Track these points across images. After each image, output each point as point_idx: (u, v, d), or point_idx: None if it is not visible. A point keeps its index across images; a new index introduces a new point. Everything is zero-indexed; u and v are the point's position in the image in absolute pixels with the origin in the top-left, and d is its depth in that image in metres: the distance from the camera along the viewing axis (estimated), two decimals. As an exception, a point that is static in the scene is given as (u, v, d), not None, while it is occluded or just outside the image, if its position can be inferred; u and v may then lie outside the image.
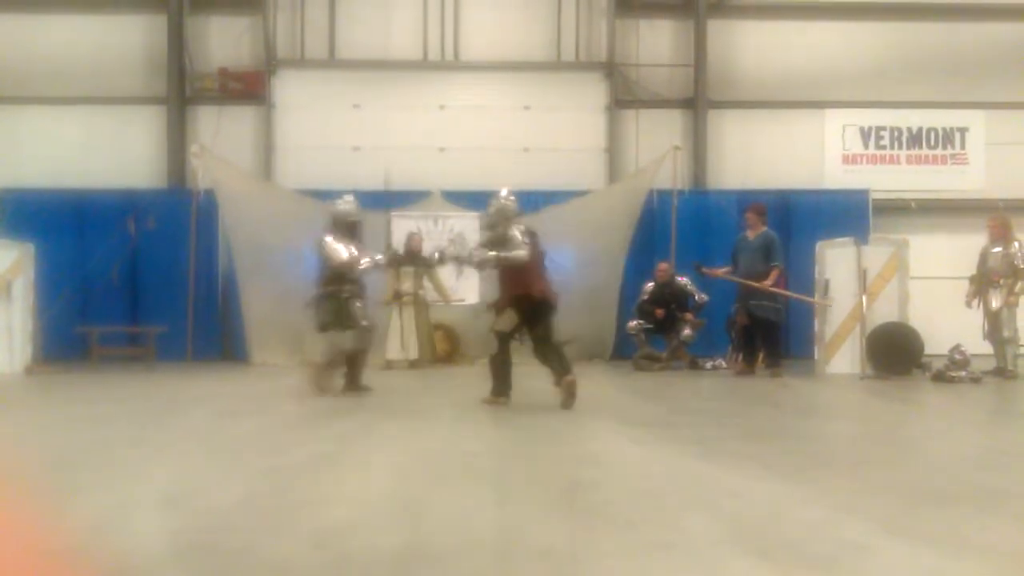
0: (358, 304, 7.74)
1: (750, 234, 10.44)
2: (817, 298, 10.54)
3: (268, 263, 12.48)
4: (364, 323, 7.74)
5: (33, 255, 11.24)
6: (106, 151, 14.26)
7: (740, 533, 2.82)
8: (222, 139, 14.18)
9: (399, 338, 11.63)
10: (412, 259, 11.65)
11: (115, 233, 13.06)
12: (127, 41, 14.63)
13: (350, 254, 7.70)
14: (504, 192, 7.27)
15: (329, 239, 7.74)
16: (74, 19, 14.60)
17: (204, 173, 13.02)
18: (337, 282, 7.67)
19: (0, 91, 14.33)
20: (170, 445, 5.05)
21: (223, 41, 14.76)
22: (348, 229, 7.86)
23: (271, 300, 12.01)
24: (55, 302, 11.70)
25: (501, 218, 7.06)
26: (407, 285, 11.68)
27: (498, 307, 6.99)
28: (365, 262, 7.80)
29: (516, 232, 6.90)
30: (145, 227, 12.67)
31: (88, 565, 2.46)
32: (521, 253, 6.78)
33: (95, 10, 14.63)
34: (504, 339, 6.88)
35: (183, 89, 14.52)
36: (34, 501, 3.23)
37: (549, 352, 6.87)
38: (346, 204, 8.02)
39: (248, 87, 14.60)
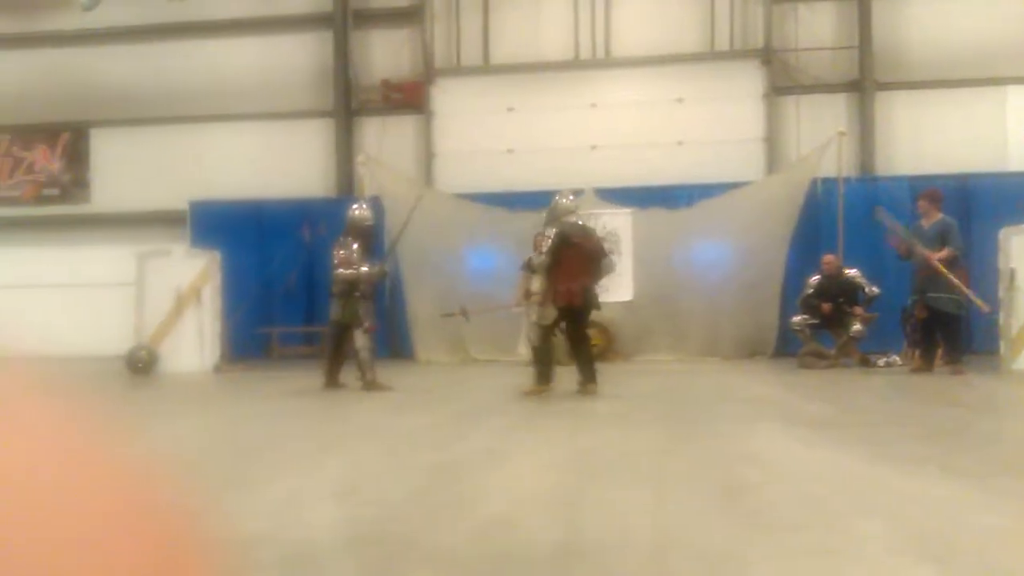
0: (366, 306, 8.17)
1: (924, 223, 9.79)
2: (1001, 291, 9.77)
3: (431, 265, 12.97)
4: (367, 324, 8.11)
5: (219, 262, 12.10)
6: (281, 163, 15.25)
7: (915, 540, 2.68)
8: (386, 148, 14.82)
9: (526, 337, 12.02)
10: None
11: (291, 240, 13.94)
12: (297, 59, 15.57)
13: (355, 259, 8.13)
14: (565, 191, 7.68)
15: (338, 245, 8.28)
16: (249, 41, 15.69)
17: (370, 181, 13.63)
18: (350, 282, 8.10)
19: (188, 111, 15.62)
20: (342, 439, 5.35)
21: (384, 53, 15.42)
22: (362, 233, 8.36)
23: (434, 300, 12.46)
24: (239, 306, 12.60)
25: (551, 217, 7.45)
26: (537, 285, 11.89)
27: (541, 301, 7.41)
28: (365, 269, 8.18)
29: (550, 232, 7.28)
30: (317, 234, 13.41)
31: (263, 552, 2.65)
32: (541, 259, 7.34)
33: (268, 32, 15.67)
34: (545, 331, 7.33)
35: (349, 102, 15.29)
36: (216, 491, 3.52)
37: (579, 354, 7.34)
38: (361, 210, 8.58)
39: (409, 97, 15.18)
